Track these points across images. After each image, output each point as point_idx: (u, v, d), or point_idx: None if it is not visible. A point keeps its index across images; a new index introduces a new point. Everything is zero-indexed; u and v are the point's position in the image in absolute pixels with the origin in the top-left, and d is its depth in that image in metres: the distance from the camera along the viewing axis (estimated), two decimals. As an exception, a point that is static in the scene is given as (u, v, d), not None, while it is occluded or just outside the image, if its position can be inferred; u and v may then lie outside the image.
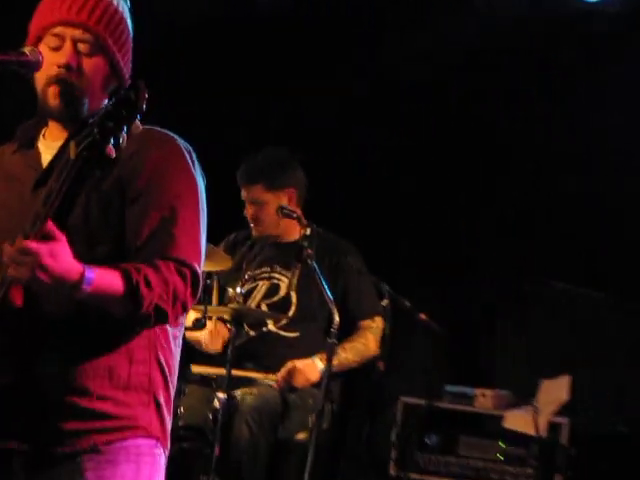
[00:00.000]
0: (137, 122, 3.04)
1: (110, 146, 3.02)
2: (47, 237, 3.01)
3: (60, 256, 3.02)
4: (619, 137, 6.65)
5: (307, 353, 5.66)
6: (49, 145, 3.42)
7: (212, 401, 5.50)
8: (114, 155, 3.03)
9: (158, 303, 3.15)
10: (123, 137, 3.06)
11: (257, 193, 5.75)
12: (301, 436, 5.55)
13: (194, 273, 3.20)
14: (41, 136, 3.47)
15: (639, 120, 6.61)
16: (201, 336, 5.68)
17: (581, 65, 6.65)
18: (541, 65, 6.84)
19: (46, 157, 3.42)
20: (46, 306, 3.20)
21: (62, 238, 3.03)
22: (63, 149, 3.28)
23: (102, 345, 3.28)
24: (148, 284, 3.12)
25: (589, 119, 6.67)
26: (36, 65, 3.25)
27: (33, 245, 2.96)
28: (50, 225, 3.01)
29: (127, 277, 3.10)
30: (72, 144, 3.05)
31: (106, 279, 3.09)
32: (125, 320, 3.22)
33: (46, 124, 3.44)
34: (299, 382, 5.66)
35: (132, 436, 3.27)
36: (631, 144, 6.73)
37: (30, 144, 3.48)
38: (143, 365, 3.34)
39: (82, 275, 3.03)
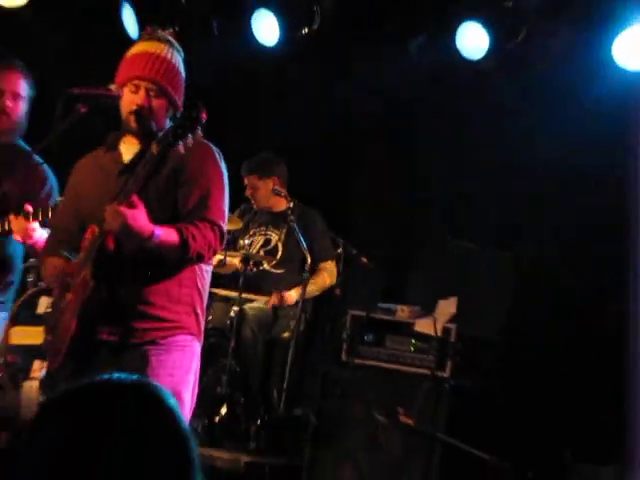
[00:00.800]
0: (198, 131, 4.03)
1: (180, 146, 4.00)
2: (132, 205, 3.93)
3: (139, 218, 3.94)
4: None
5: (289, 283, 6.95)
6: (127, 148, 4.33)
7: (229, 312, 6.77)
8: (183, 152, 4.04)
9: (199, 250, 4.08)
10: (189, 140, 4.02)
11: (252, 180, 7.09)
12: (285, 335, 6.87)
13: (221, 230, 4.17)
14: (121, 142, 4.36)
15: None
16: (221, 270, 6.83)
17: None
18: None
19: (125, 156, 4.32)
20: (127, 249, 4.11)
21: (141, 206, 3.95)
22: (144, 150, 4.19)
23: (161, 275, 4.21)
24: (193, 237, 4.05)
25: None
26: (118, 97, 4.30)
27: (122, 208, 3.91)
28: (134, 197, 3.94)
29: (180, 233, 4.02)
30: (154, 144, 4.02)
31: (167, 235, 4.02)
32: (178, 260, 4.15)
33: (124, 134, 4.34)
34: (282, 303, 6.93)
35: (179, 333, 4.26)
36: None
37: (114, 147, 4.36)
38: (187, 288, 4.28)
39: (152, 232, 3.96)
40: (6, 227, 4.77)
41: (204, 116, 3.99)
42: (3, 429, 6.13)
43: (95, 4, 7.28)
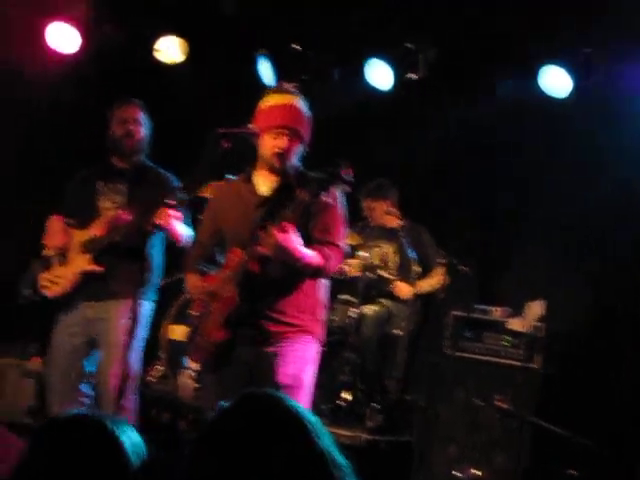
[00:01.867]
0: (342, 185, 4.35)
1: (323, 195, 4.38)
2: (283, 230, 4.24)
3: (290, 241, 4.28)
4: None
5: None
6: (262, 182, 4.63)
7: (350, 313, 7.11)
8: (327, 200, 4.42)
9: (331, 269, 4.51)
10: (332, 192, 4.41)
11: (369, 202, 7.38)
12: (398, 331, 7.14)
13: (344, 251, 4.62)
14: (255, 175, 4.67)
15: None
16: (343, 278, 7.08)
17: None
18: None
19: (259, 188, 4.61)
20: (271, 271, 4.44)
21: (293, 231, 4.28)
22: (282, 185, 4.55)
23: (294, 289, 4.57)
24: (329, 258, 4.44)
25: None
26: (255, 135, 4.66)
27: (277, 232, 4.21)
28: (285, 223, 4.27)
29: (320, 255, 4.41)
30: (302, 191, 4.31)
31: (311, 257, 4.40)
32: (312, 277, 4.56)
33: (258, 168, 4.64)
34: (397, 292, 7.15)
35: (306, 335, 4.62)
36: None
37: (249, 179, 4.68)
38: (312, 298, 4.65)
39: (302, 254, 4.35)
40: (149, 226, 5.11)
41: (349, 173, 4.33)
42: (166, 410, 6.78)
43: (237, 59, 7.78)
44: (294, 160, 4.65)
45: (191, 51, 7.80)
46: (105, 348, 5.31)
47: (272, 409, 2.04)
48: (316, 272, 4.53)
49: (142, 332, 5.42)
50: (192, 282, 4.78)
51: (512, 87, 7.26)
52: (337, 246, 4.58)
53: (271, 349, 4.54)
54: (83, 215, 5.48)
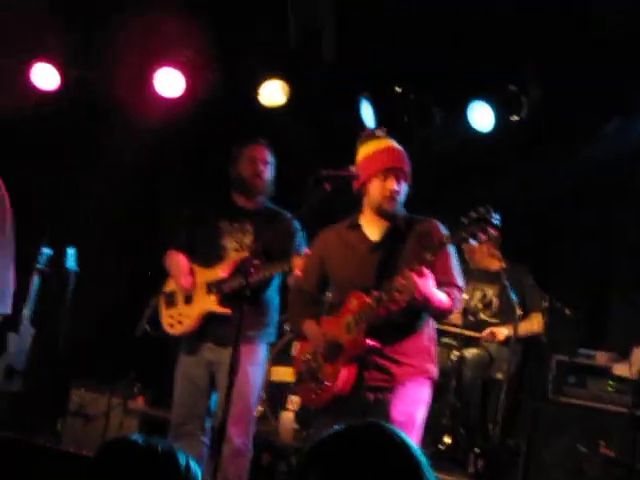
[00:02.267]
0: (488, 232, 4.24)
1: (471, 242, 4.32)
2: (420, 274, 4.28)
3: (428, 286, 4.34)
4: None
5: None
6: (371, 227, 4.67)
7: (450, 356, 7.12)
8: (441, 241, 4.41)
9: (453, 309, 4.58)
10: (482, 238, 4.25)
11: (469, 245, 7.05)
12: (499, 375, 7.07)
13: (463, 290, 4.66)
14: (362, 221, 4.70)
15: None
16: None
17: None
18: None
19: (369, 233, 4.64)
20: (399, 313, 4.44)
21: (428, 275, 4.31)
22: (393, 228, 4.58)
23: (416, 329, 4.62)
24: (455, 300, 4.50)
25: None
26: (356, 177, 4.70)
27: (416, 276, 4.25)
28: (421, 267, 4.30)
29: (449, 297, 4.46)
30: (446, 237, 4.40)
31: (441, 299, 4.45)
32: (436, 317, 4.66)
33: (364, 214, 4.66)
34: (494, 338, 7.09)
35: (422, 375, 4.66)
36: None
37: (356, 225, 4.72)
38: (429, 339, 4.71)
39: (437, 298, 4.39)
40: (267, 274, 5.16)
41: (489, 220, 4.28)
42: (266, 450, 6.80)
43: (338, 101, 7.81)
44: (402, 201, 4.71)
45: (293, 94, 7.88)
46: (223, 391, 5.16)
47: (388, 440, 2.08)
48: (443, 314, 4.63)
49: (260, 375, 5.45)
50: (308, 327, 4.80)
51: (620, 130, 7.18)
52: (458, 287, 4.64)
53: (389, 389, 4.60)
54: (208, 253, 5.51)
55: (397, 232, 4.61)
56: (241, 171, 5.58)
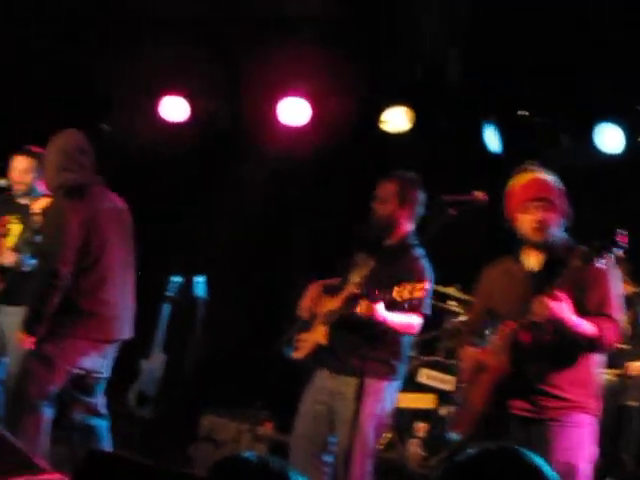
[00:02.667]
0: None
1: (596, 263, 4.32)
2: (555, 297, 4.31)
3: (562, 309, 4.32)
4: None
5: (636, 357, 6.94)
6: (528, 258, 4.70)
7: None
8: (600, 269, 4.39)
9: (604, 340, 4.43)
10: (607, 260, 4.30)
11: None
12: (633, 403, 6.92)
13: (619, 323, 4.48)
14: (523, 253, 4.73)
15: None
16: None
17: None
18: None
19: (528, 263, 4.69)
20: (543, 339, 4.47)
21: (565, 298, 4.33)
22: (549, 260, 4.57)
23: (567, 360, 4.52)
24: (606, 330, 4.40)
25: None
26: (482, 202, 4.83)
27: (549, 299, 4.31)
28: (558, 290, 4.33)
29: (597, 326, 4.40)
30: (574, 259, 4.36)
31: (584, 326, 4.40)
32: (585, 347, 4.47)
33: (522, 247, 4.71)
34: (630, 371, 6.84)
35: (579, 412, 4.54)
36: None
37: (517, 257, 4.75)
38: (586, 372, 4.59)
39: (575, 322, 4.38)
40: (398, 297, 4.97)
41: (624, 240, 4.33)
42: (393, 478, 6.72)
43: (461, 126, 7.80)
44: (556, 232, 4.68)
45: (417, 120, 7.88)
46: (342, 424, 5.21)
47: (525, 466, 2.08)
48: (591, 344, 4.49)
49: (383, 410, 5.35)
50: (466, 354, 4.86)
51: None
52: (613, 318, 4.54)
53: (542, 429, 4.54)
54: (338, 284, 5.51)
55: (555, 261, 4.58)
56: (375, 209, 5.51)
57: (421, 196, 5.42)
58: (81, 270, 5.38)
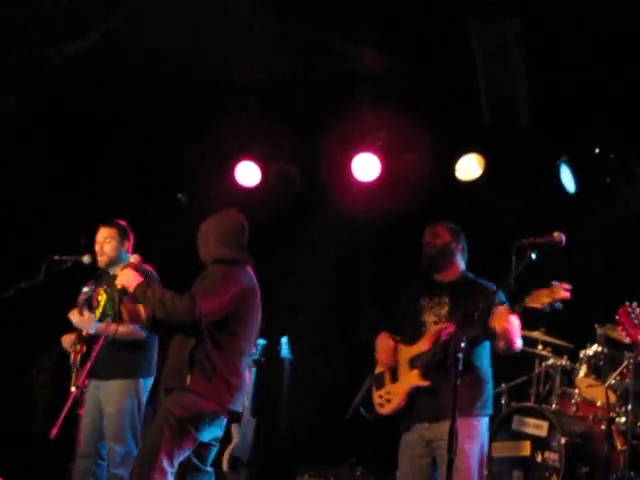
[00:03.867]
0: None
1: None
2: None
3: None
4: None
5: None
6: None
7: None
8: None
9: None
10: None
11: None
12: None
13: None
14: None
15: None
16: None
17: None
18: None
19: None
20: None
21: None
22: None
23: None
24: None
25: None
26: (560, 243, 4.69)
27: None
28: None
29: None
30: None
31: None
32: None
33: None
34: None
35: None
36: None
37: None
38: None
39: None
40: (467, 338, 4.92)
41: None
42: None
43: (535, 168, 7.77)
44: None
45: (489, 165, 7.91)
46: (444, 471, 4.99)
47: None
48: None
49: (481, 450, 5.31)
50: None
51: None
52: None
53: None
54: (411, 331, 5.53)
55: None
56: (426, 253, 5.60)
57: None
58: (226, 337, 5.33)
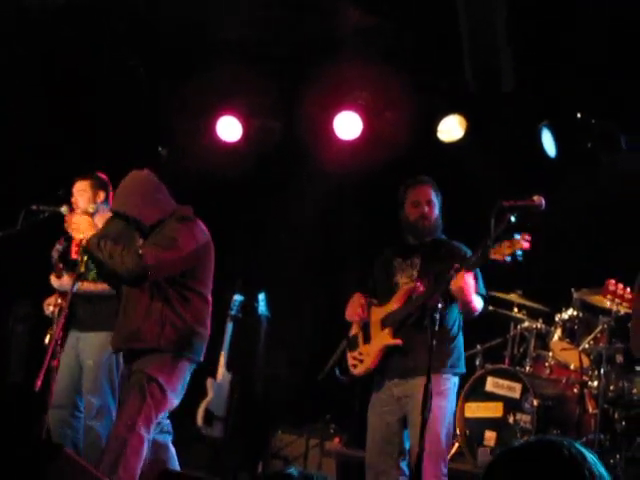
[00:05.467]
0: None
1: None
2: None
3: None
4: None
5: None
6: None
7: None
8: None
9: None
10: None
11: None
12: None
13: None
14: None
15: None
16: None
17: None
18: None
19: None
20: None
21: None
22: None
23: None
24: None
25: None
26: (539, 207, 4.74)
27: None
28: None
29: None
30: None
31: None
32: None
33: None
34: None
35: None
36: None
37: None
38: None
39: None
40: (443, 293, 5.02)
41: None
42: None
43: (517, 132, 7.76)
44: None
45: (471, 127, 7.89)
46: (413, 427, 5.14)
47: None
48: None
49: (450, 407, 5.35)
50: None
51: None
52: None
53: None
54: (384, 293, 5.56)
55: None
56: (408, 215, 5.60)
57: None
58: (191, 291, 5.40)
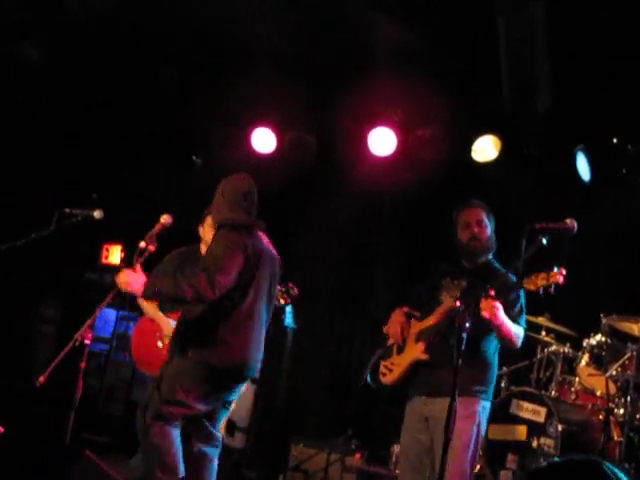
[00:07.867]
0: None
1: None
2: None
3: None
4: None
5: None
6: None
7: None
8: None
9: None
10: None
11: None
12: None
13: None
14: None
15: None
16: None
17: None
18: None
19: None
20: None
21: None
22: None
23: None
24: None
25: None
26: (570, 229, 4.69)
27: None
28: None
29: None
30: None
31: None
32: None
33: None
34: None
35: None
36: None
37: None
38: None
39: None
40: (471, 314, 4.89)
41: None
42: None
43: (553, 154, 7.74)
44: None
45: (506, 148, 7.87)
46: (438, 451, 4.95)
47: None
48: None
49: (476, 431, 5.27)
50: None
51: None
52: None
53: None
54: (426, 308, 5.54)
55: None
56: (460, 238, 5.56)
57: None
58: (230, 302, 5.46)
